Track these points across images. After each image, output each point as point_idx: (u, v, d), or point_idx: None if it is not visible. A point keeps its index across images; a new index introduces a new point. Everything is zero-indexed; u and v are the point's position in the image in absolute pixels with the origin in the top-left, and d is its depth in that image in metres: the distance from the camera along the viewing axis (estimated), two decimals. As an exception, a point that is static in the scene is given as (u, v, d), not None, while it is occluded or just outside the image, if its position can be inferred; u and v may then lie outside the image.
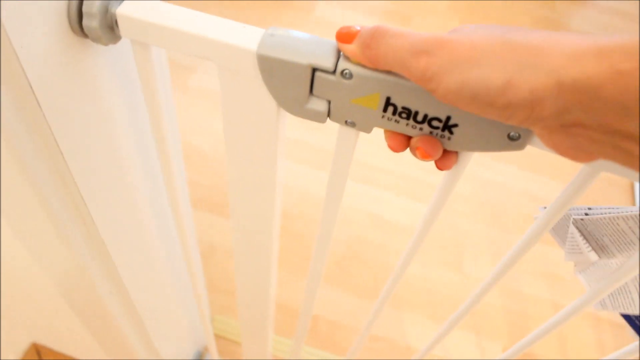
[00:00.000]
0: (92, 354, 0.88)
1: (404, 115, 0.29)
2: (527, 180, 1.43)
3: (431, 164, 1.39)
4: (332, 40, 0.29)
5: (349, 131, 0.33)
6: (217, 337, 1.04)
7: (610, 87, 0.20)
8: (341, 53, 0.29)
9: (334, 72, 0.29)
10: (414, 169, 1.39)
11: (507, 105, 0.23)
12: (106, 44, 0.31)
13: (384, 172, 1.39)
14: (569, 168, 1.45)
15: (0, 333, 0.82)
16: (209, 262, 1.14)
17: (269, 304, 0.59)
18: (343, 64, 0.28)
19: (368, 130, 0.31)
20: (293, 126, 1.43)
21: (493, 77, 0.23)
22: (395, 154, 1.41)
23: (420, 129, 0.29)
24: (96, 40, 0.31)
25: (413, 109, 0.29)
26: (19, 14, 0.27)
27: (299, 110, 0.31)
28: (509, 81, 0.22)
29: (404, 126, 0.30)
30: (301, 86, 0.30)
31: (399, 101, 0.29)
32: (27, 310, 0.78)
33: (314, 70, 0.29)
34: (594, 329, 1.15)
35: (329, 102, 0.31)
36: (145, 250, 0.56)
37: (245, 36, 0.30)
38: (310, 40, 0.29)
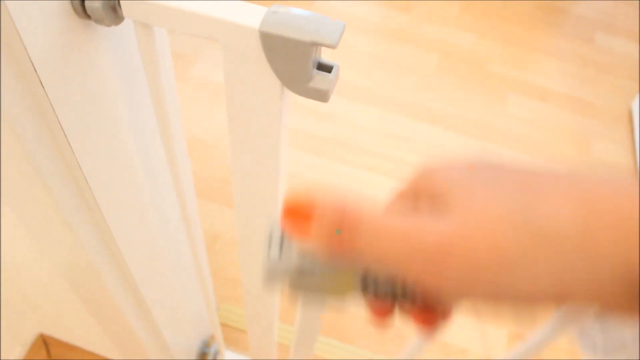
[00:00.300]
0: (99, 344, 0.89)
1: (388, 288, 0.24)
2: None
3: (427, 149, 1.39)
4: (336, 19, 0.29)
5: None
6: (223, 325, 1.05)
7: None
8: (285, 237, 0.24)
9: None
10: (409, 153, 1.39)
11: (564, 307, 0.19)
12: (109, 25, 0.31)
13: (377, 156, 1.38)
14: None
15: (5, 323, 0.83)
16: (212, 251, 1.15)
17: (274, 293, 0.59)
18: (299, 255, 0.23)
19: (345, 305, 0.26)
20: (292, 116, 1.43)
21: (537, 285, 0.17)
22: (390, 141, 1.41)
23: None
24: (99, 21, 0.31)
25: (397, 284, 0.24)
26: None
27: (302, 88, 0.31)
28: (562, 287, 0.17)
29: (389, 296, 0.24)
30: (304, 64, 0.29)
31: (380, 279, 0.24)
32: (34, 301, 0.78)
33: None
34: None
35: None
36: (150, 237, 0.56)
37: (248, 14, 0.29)
38: (312, 18, 0.29)
